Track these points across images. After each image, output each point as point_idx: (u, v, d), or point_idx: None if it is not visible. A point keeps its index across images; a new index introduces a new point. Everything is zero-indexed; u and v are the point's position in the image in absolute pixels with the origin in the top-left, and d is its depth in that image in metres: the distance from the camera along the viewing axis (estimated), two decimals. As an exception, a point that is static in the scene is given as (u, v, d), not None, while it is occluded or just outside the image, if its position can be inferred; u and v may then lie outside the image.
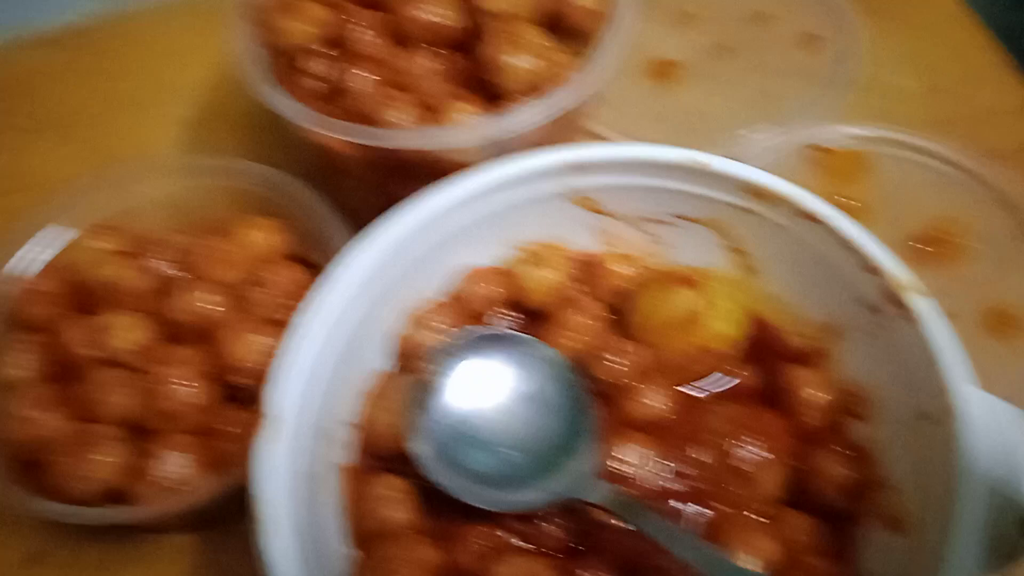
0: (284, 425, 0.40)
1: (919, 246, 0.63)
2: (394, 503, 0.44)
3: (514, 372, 0.47)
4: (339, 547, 0.44)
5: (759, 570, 0.42)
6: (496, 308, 0.52)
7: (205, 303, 0.51)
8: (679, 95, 0.73)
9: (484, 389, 0.46)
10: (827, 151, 0.67)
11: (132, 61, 0.79)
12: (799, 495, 0.46)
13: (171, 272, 0.54)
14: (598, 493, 0.43)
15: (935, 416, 0.41)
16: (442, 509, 0.44)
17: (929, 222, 0.64)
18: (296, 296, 0.46)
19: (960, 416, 0.40)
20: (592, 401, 0.46)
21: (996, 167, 0.65)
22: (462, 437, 0.45)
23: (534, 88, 0.53)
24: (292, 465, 0.40)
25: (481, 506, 0.43)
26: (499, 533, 0.44)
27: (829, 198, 0.47)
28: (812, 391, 0.48)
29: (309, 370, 0.42)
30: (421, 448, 0.44)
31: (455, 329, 0.50)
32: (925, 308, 0.43)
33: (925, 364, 0.42)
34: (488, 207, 0.49)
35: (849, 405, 0.48)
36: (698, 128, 0.68)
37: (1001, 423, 0.40)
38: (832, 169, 0.66)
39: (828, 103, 0.69)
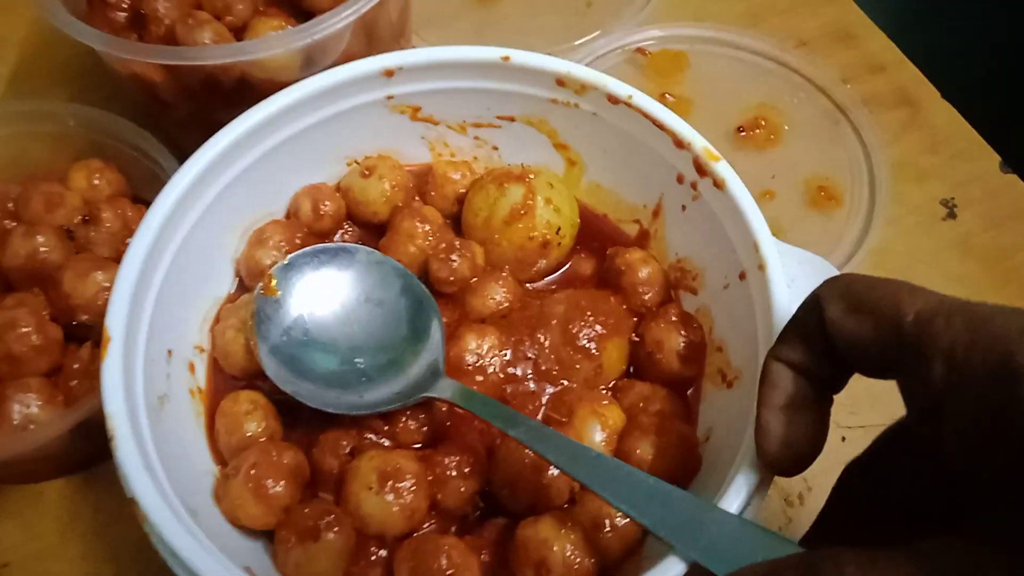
0: (114, 344, 0.40)
1: (741, 133, 0.67)
2: (252, 416, 0.45)
3: (355, 282, 0.48)
4: (206, 467, 0.44)
5: (604, 435, 0.45)
6: (335, 223, 0.53)
7: (38, 247, 0.50)
8: (507, 12, 0.75)
9: (327, 300, 0.47)
10: (647, 53, 0.69)
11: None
12: (642, 366, 0.49)
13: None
14: (444, 389, 0.44)
15: (749, 271, 0.44)
16: (308, 419, 0.45)
17: (747, 110, 0.68)
18: (135, 234, 0.46)
19: (770, 266, 0.42)
20: (434, 303, 0.48)
21: (802, 54, 0.69)
22: (308, 346, 0.46)
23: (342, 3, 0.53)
24: (134, 382, 0.40)
25: (332, 411, 0.44)
26: (364, 435, 0.45)
27: (654, 97, 0.49)
28: (643, 271, 0.50)
29: (132, 290, 0.42)
30: (270, 361, 0.45)
31: (296, 247, 0.50)
32: (729, 173, 0.46)
33: (735, 225, 0.45)
34: (312, 120, 0.50)
35: (678, 278, 0.51)
36: (528, 44, 0.69)
37: (807, 269, 0.43)
38: (654, 70, 0.69)
39: (646, 8, 0.72)
